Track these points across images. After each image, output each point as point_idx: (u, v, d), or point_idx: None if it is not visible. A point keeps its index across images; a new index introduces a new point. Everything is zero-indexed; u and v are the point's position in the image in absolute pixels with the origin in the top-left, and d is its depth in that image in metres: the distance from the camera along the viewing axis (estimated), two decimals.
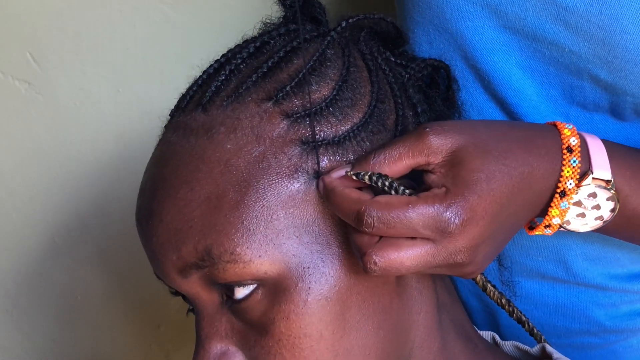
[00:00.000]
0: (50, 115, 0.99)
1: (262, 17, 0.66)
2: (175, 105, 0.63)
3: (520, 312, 0.69)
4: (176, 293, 0.63)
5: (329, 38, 0.61)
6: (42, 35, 0.95)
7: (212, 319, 0.58)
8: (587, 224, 0.59)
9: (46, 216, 1.06)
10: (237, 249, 0.55)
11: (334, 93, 0.58)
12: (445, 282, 0.67)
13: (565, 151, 0.56)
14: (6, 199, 1.05)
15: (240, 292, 0.56)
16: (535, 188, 0.56)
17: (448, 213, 0.51)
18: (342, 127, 0.58)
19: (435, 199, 0.51)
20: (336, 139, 0.57)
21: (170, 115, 0.63)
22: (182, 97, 0.62)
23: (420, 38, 0.71)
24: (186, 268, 0.57)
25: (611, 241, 0.73)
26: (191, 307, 0.62)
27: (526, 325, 0.70)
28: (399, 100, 0.61)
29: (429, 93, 0.66)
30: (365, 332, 0.57)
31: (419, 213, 0.51)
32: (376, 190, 0.54)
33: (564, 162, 0.56)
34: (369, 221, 0.51)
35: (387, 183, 0.53)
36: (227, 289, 0.57)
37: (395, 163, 0.54)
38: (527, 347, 0.71)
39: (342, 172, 0.55)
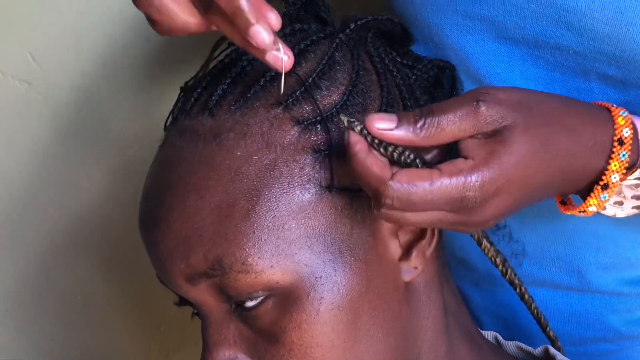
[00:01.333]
0: (50, 115, 0.99)
1: None
2: (180, 108, 0.61)
3: (515, 275, 0.67)
4: (181, 302, 0.62)
5: (337, 40, 0.60)
6: (42, 35, 0.95)
7: (220, 326, 0.58)
8: (623, 210, 0.58)
9: (46, 216, 1.06)
10: (248, 259, 0.54)
11: (345, 98, 0.57)
12: (450, 284, 0.67)
13: (616, 144, 0.55)
14: (6, 199, 1.05)
15: (251, 301, 0.56)
16: (573, 177, 0.55)
17: (470, 193, 0.50)
18: None
19: (460, 176, 0.50)
20: None
21: (173, 117, 0.62)
22: (187, 99, 0.61)
23: (424, 55, 0.71)
24: (195, 276, 0.56)
25: (625, 247, 0.73)
26: (196, 311, 0.61)
27: (518, 289, 0.68)
28: (408, 104, 0.60)
29: (434, 93, 0.66)
30: (376, 340, 0.57)
31: (442, 194, 0.50)
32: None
33: (613, 156, 0.55)
34: (388, 202, 0.50)
35: (409, 159, 0.52)
36: (238, 298, 0.56)
37: (443, 134, 0.51)
38: (529, 348, 0.71)
39: (379, 123, 0.51)
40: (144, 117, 1.01)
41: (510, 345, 0.73)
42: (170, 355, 1.17)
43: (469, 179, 0.50)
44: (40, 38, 0.95)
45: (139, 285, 1.11)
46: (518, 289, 0.68)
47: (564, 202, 0.60)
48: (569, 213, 0.59)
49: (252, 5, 0.50)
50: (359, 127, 0.52)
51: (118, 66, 0.98)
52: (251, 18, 0.50)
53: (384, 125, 0.51)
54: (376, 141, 0.52)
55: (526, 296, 0.68)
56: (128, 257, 1.09)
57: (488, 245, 0.63)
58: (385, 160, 0.52)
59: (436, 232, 0.60)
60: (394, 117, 0.51)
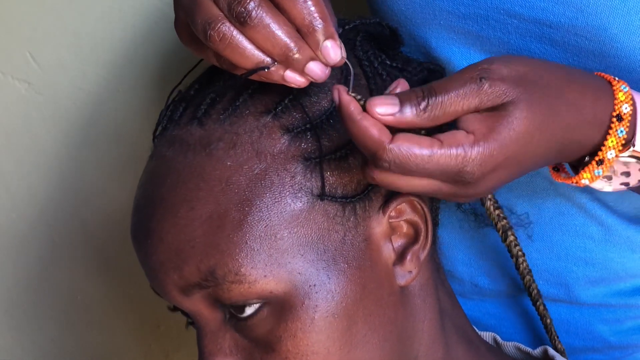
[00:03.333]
0: (50, 115, 0.99)
1: None
2: (168, 117, 0.61)
3: (515, 245, 0.67)
4: (174, 309, 0.62)
5: None
6: (42, 35, 0.95)
7: (215, 335, 0.58)
8: (611, 186, 0.57)
9: (46, 216, 1.06)
10: (241, 269, 0.54)
11: (334, 105, 0.56)
12: (446, 286, 0.66)
13: (614, 119, 0.54)
14: (6, 199, 1.05)
15: (246, 310, 0.56)
16: (569, 150, 0.54)
17: (469, 168, 0.49)
18: (343, 141, 0.56)
19: (460, 150, 0.49)
20: (337, 153, 0.56)
21: (161, 126, 0.61)
22: (175, 109, 0.60)
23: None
24: (188, 287, 0.56)
25: (614, 261, 0.72)
26: (191, 321, 0.61)
27: (515, 259, 0.68)
28: None
29: None
30: (372, 345, 0.57)
31: (441, 164, 0.49)
32: None
33: (610, 132, 0.54)
34: (385, 165, 0.49)
35: None
36: (232, 308, 0.56)
37: (446, 114, 0.50)
38: (528, 349, 0.71)
39: (380, 108, 0.50)
40: (144, 117, 1.01)
41: (509, 346, 0.73)
42: (170, 355, 1.17)
43: (469, 154, 0.49)
44: (40, 38, 0.95)
45: (139, 285, 1.11)
46: (515, 259, 0.68)
47: (556, 169, 0.59)
48: (559, 181, 0.58)
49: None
50: (361, 103, 0.51)
51: (118, 66, 0.98)
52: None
53: (385, 110, 0.50)
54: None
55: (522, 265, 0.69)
56: (128, 257, 1.09)
57: (491, 207, 0.63)
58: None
59: (430, 235, 0.59)
60: (395, 100, 0.50)
